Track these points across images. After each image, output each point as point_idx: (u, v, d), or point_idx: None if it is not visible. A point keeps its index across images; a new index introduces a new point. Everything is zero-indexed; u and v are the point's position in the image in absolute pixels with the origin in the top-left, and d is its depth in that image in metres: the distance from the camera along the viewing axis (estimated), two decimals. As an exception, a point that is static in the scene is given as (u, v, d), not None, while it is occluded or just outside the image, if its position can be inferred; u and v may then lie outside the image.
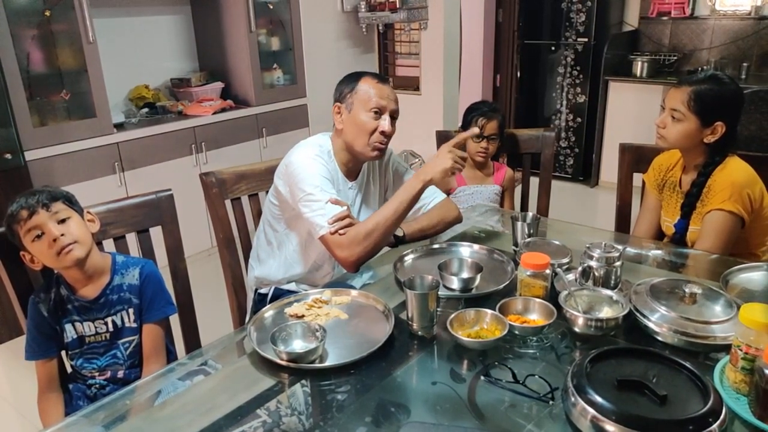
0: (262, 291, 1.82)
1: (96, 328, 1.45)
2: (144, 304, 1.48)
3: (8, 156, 2.69)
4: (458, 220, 1.83)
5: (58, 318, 1.42)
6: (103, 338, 1.46)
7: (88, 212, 1.46)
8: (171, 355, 1.59)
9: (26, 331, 1.42)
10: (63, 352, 1.48)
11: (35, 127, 2.83)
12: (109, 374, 1.48)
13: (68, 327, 1.43)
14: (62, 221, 1.34)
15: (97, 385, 1.48)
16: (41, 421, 1.44)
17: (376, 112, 1.64)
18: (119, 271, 1.47)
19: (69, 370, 1.54)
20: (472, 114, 2.33)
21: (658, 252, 1.77)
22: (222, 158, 3.58)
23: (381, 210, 1.57)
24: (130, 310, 1.47)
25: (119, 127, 3.24)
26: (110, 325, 1.45)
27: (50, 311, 1.40)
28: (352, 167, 1.76)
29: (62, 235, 1.32)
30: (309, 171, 1.60)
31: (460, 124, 2.46)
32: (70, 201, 1.40)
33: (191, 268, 1.74)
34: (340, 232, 1.52)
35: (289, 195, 1.64)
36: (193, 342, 1.71)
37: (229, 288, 1.86)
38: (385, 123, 1.65)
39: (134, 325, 1.48)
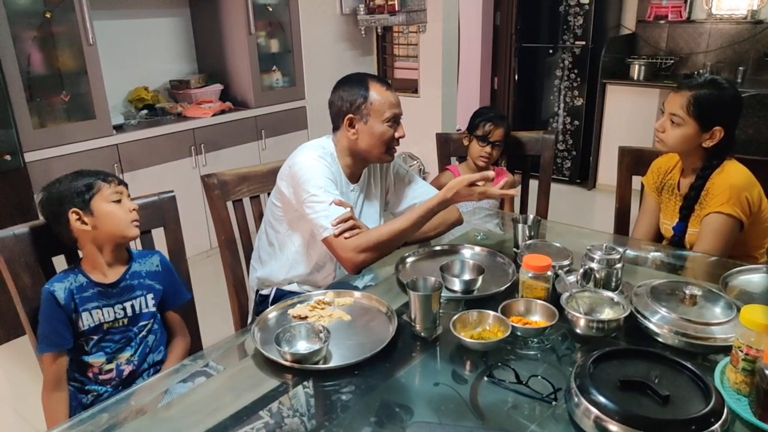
0: (264, 292, 1.82)
1: (115, 313, 1.47)
2: (169, 291, 1.57)
3: (8, 157, 2.69)
4: (459, 222, 1.84)
5: (75, 306, 1.43)
6: (121, 323, 1.49)
7: None
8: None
9: (39, 323, 1.43)
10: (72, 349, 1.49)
11: (35, 128, 2.83)
12: (114, 373, 1.48)
13: (85, 315, 1.44)
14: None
15: (95, 393, 1.49)
16: (46, 419, 1.43)
17: (392, 121, 1.67)
18: (137, 259, 1.54)
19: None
20: (479, 118, 2.34)
21: (658, 254, 1.78)
22: (221, 160, 3.59)
23: (394, 222, 1.61)
24: (149, 296, 1.52)
25: (119, 128, 3.24)
26: (129, 310, 1.49)
27: (66, 300, 1.42)
28: (355, 170, 1.77)
29: (138, 207, 1.49)
30: (313, 172, 1.61)
31: (458, 126, 2.47)
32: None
33: (190, 270, 1.74)
34: (345, 235, 1.53)
35: (292, 196, 1.65)
36: (194, 343, 1.71)
37: (231, 290, 1.87)
38: (400, 129, 1.71)
39: (152, 309, 1.53)
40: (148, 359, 1.54)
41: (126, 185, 1.50)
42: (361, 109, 1.66)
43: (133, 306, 1.50)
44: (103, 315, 1.46)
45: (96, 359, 1.48)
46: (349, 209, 1.59)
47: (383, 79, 1.73)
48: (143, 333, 1.52)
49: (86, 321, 1.44)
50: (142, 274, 1.52)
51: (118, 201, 1.45)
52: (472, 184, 1.56)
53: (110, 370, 1.49)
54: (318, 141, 1.76)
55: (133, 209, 1.47)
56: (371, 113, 1.66)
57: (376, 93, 1.67)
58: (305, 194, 1.59)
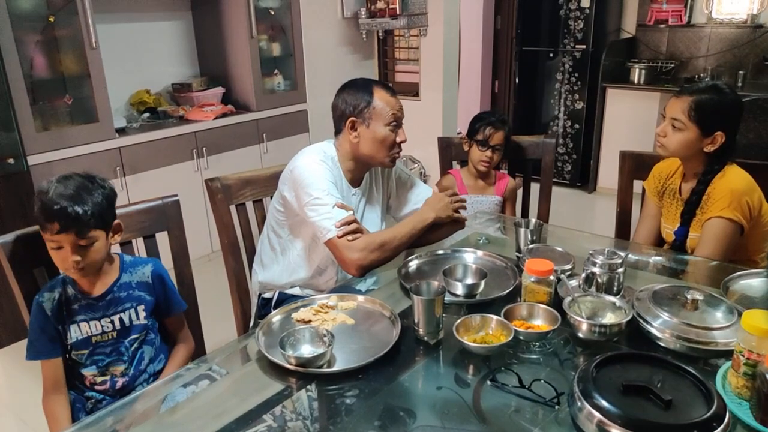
0: (266, 295, 1.83)
1: (102, 326, 1.45)
2: (162, 302, 1.53)
3: (11, 161, 2.69)
4: (461, 226, 1.84)
5: (63, 319, 1.42)
6: (110, 337, 1.46)
7: (119, 223, 1.45)
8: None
9: (29, 330, 1.42)
10: (67, 356, 1.48)
11: (38, 131, 2.84)
12: (108, 384, 1.47)
13: (73, 328, 1.43)
14: (87, 245, 1.34)
15: (93, 400, 1.48)
16: (48, 424, 1.43)
17: (393, 125, 1.68)
18: (127, 269, 1.50)
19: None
20: (479, 123, 2.35)
21: (659, 258, 1.79)
22: (223, 163, 3.60)
23: (397, 227, 1.65)
24: (140, 308, 1.49)
25: (121, 131, 3.25)
26: (117, 323, 1.46)
27: (54, 311, 1.40)
28: (356, 174, 1.78)
29: (79, 259, 1.33)
30: (315, 176, 1.62)
31: (459, 130, 2.48)
32: (103, 218, 1.36)
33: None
34: (349, 237, 1.54)
35: (294, 200, 1.66)
36: (197, 347, 1.71)
37: (234, 294, 1.87)
38: (402, 134, 1.72)
39: (144, 321, 1.49)
40: (148, 369, 1.52)
41: (80, 230, 1.31)
42: (364, 113, 1.67)
43: (122, 319, 1.46)
44: (90, 328, 1.44)
45: (89, 371, 1.47)
46: (351, 212, 1.59)
47: (388, 86, 1.75)
48: (135, 345, 1.49)
49: (74, 333, 1.43)
50: (132, 285, 1.48)
51: (59, 248, 1.33)
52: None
53: (104, 382, 1.48)
54: (319, 145, 1.77)
55: (70, 261, 1.33)
56: (373, 117, 1.67)
57: (380, 98, 1.68)
58: (307, 197, 1.60)
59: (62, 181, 1.33)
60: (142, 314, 1.49)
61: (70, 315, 1.43)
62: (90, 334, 1.44)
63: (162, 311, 1.55)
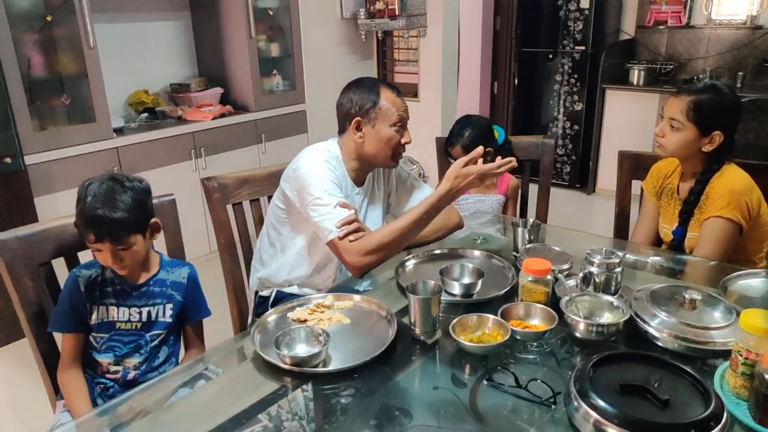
0: (264, 293, 1.82)
1: (130, 315, 1.48)
2: (190, 305, 1.57)
3: (8, 160, 2.69)
4: (459, 226, 1.84)
5: (94, 297, 1.45)
6: (134, 327, 1.48)
7: (156, 222, 1.48)
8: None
9: (58, 302, 1.45)
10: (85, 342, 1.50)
11: (35, 131, 2.83)
12: (120, 374, 1.49)
13: (101, 309, 1.45)
14: (125, 249, 1.39)
15: (102, 386, 1.49)
16: (65, 394, 1.45)
17: (399, 126, 1.68)
18: (165, 267, 1.54)
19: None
20: (448, 138, 2.39)
21: (657, 258, 1.78)
22: (221, 163, 3.59)
23: (397, 222, 1.57)
24: (168, 306, 1.52)
25: (119, 131, 3.24)
26: (144, 315, 1.49)
27: (87, 288, 1.44)
28: (360, 174, 1.77)
29: (118, 262, 1.40)
30: (318, 175, 1.61)
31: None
32: (137, 223, 1.40)
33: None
34: (350, 238, 1.53)
35: (296, 199, 1.65)
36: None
37: (230, 293, 1.87)
38: (407, 135, 1.72)
39: (169, 320, 1.52)
40: (160, 369, 1.53)
41: (115, 238, 1.36)
42: (370, 113, 1.67)
43: (149, 312, 1.49)
44: (118, 314, 1.47)
45: (104, 358, 1.48)
46: (353, 211, 1.59)
47: (394, 86, 1.75)
48: (155, 342, 1.51)
49: (100, 315, 1.46)
50: (167, 282, 1.52)
51: (99, 251, 1.40)
52: (466, 165, 1.53)
53: (117, 371, 1.49)
54: (323, 144, 1.76)
55: (110, 263, 1.40)
56: (379, 117, 1.67)
57: (386, 98, 1.68)
58: (309, 197, 1.59)
59: (96, 187, 1.37)
60: (169, 312, 1.52)
61: (102, 296, 1.46)
62: (116, 320, 1.47)
63: (187, 314, 1.58)
